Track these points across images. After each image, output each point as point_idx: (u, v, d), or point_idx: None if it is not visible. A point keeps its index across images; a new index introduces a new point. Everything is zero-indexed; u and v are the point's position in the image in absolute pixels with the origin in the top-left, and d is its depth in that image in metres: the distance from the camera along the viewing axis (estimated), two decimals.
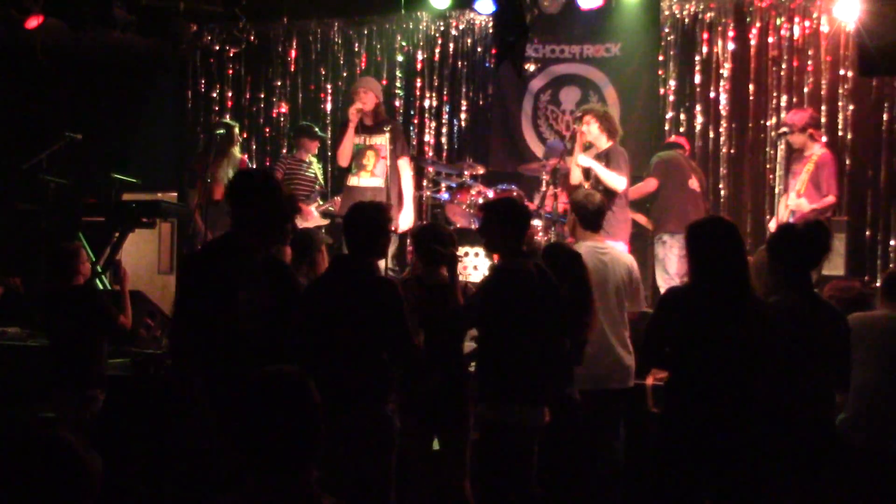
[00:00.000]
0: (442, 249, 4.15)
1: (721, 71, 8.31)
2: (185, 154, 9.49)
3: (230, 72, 9.70)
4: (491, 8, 7.21)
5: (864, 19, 6.06)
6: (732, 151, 8.30)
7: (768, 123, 8.14)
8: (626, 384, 4.87)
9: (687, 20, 8.43)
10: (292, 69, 9.56)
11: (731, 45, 8.28)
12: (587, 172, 6.60)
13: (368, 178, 7.04)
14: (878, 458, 4.24)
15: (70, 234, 7.31)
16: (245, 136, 9.36)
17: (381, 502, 3.87)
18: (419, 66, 9.19)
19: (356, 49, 9.36)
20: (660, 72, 8.38)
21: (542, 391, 4.01)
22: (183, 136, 9.76)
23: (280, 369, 2.23)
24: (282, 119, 9.63)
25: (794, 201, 6.48)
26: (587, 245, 4.88)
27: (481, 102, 9.07)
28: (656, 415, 4.22)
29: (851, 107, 7.91)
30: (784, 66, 8.11)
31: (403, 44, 9.23)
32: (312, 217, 7.38)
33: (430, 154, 8.95)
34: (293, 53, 9.55)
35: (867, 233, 7.77)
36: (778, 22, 8.15)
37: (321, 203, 7.56)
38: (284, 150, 9.20)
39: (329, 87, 9.46)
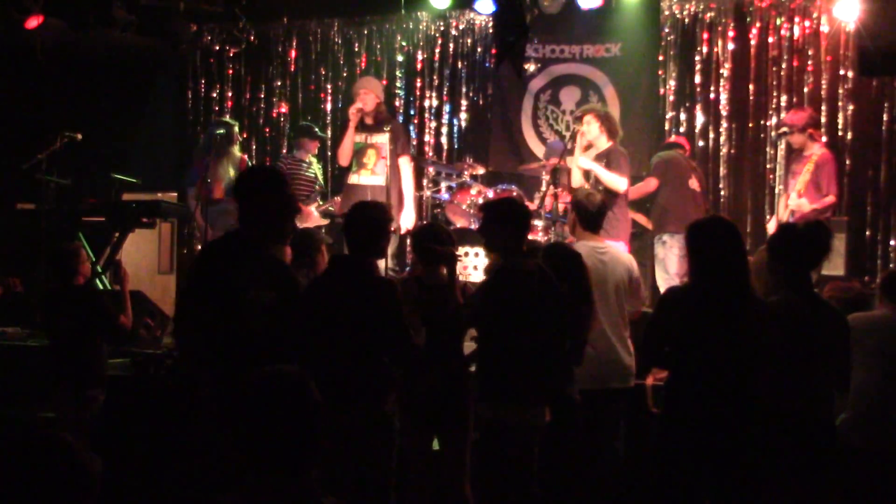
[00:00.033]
0: (440, 248, 4.15)
1: (721, 71, 8.31)
2: (185, 154, 9.48)
3: (230, 72, 9.71)
4: (491, 8, 7.22)
5: (864, 19, 6.06)
6: (732, 151, 8.31)
7: (768, 123, 8.15)
8: (626, 384, 4.86)
9: (687, 20, 8.44)
10: (292, 69, 9.57)
11: (731, 45, 8.28)
12: (587, 174, 6.60)
13: (369, 176, 7.05)
14: (878, 458, 4.25)
15: (70, 234, 7.30)
16: (245, 135, 9.36)
17: (381, 502, 3.88)
18: (419, 66, 9.19)
19: (356, 49, 9.37)
20: (660, 72, 8.38)
21: (543, 391, 4.01)
22: (183, 136, 9.75)
23: (280, 369, 2.23)
24: (282, 119, 9.64)
25: (794, 201, 6.49)
26: (587, 245, 4.87)
27: (481, 102, 9.08)
28: (656, 415, 4.22)
29: (851, 107, 7.91)
30: (784, 66, 8.11)
31: (403, 44, 9.23)
32: (312, 217, 7.37)
33: (430, 154, 8.95)
34: (293, 53, 9.56)
35: (867, 233, 7.78)
36: (778, 22, 8.16)
37: (321, 203, 7.56)
38: (284, 150, 9.22)
39: (329, 87, 9.47)
